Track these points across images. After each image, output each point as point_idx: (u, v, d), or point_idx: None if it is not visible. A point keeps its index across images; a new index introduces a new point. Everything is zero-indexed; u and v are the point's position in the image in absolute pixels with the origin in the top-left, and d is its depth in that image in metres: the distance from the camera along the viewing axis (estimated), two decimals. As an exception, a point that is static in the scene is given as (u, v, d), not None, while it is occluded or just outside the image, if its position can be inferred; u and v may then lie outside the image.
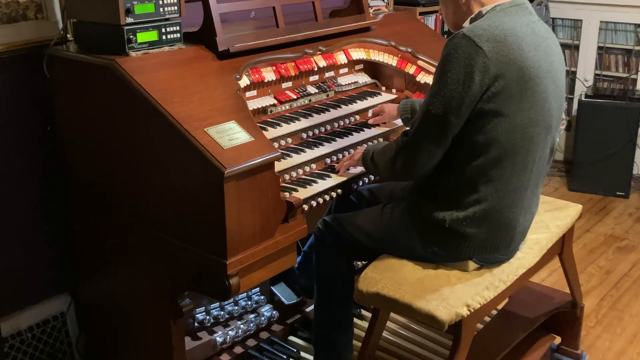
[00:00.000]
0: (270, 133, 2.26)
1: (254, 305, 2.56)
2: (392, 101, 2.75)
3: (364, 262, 2.89)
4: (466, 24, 1.98)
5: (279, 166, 2.10)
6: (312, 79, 2.62)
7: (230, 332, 2.47)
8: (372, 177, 2.35)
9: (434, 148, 1.91)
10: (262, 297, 2.60)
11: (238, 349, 2.53)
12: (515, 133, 1.88)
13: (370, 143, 2.50)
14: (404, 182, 2.34)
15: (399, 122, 2.56)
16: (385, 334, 2.63)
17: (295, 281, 2.67)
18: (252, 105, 2.34)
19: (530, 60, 1.87)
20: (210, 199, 1.84)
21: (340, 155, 2.38)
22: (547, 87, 1.92)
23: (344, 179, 2.25)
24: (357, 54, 2.70)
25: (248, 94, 2.36)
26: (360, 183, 2.33)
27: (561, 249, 2.45)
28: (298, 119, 2.40)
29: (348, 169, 2.29)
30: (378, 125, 2.60)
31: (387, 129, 2.58)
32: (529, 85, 1.87)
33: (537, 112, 1.90)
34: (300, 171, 2.26)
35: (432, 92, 1.88)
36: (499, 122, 1.85)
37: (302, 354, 2.59)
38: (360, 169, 2.30)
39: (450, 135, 1.89)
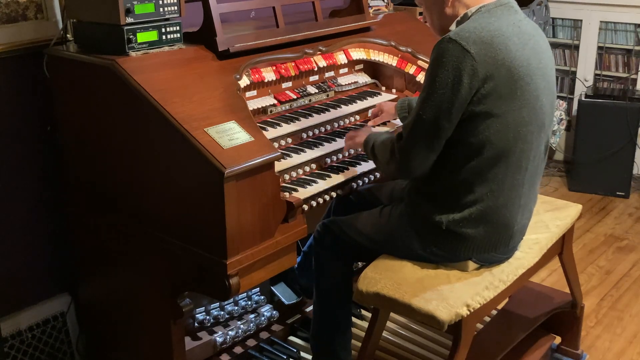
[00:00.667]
0: (270, 133, 2.26)
1: (254, 305, 2.56)
2: (392, 101, 2.75)
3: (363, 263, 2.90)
4: (452, 27, 1.98)
5: (279, 166, 2.10)
6: (312, 79, 2.62)
7: (230, 332, 2.47)
8: (372, 177, 2.35)
9: (428, 152, 1.91)
10: (262, 297, 2.60)
11: (238, 349, 2.53)
12: (508, 133, 1.88)
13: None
14: (403, 182, 2.34)
15: (398, 121, 2.56)
16: (385, 334, 2.63)
17: (295, 281, 2.67)
18: (252, 105, 2.34)
19: (518, 60, 1.87)
20: (210, 199, 1.84)
21: (340, 156, 2.38)
22: (537, 85, 1.92)
23: (344, 178, 2.25)
24: (357, 54, 2.70)
25: (248, 94, 2.36)
26: (360, 183, 2.33)
27: (561, 249, 2.45)
28: (298, 119, 2.40)
29: (351, 168, 2.29)
30: (378, 125, 2.60)
31: (388, 129, 2.58)
32: (518, 85, 1.87)
33: (529, 111, 1.91)
34: (300, 171, 2.26)
35: (423, 98, 1.89)
36: (491, 123, 1.86)
37: (302, 354, 2.59)
38: (360, 169, 2.30)
39: (443, 139, 1.89)
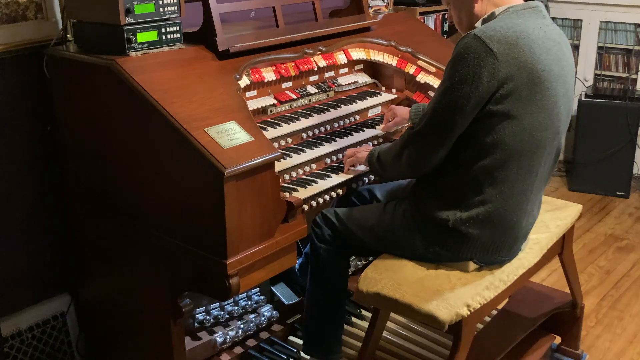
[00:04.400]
0: (270, 133, 2.26)
1: (254, 305, 2.56)
2: (392, 101, 2.75)
3: (363, 259, 2.90)
4: (478, 24, 1.98)
5: (279, 166, 2.10)
6: (312, 79, 2.62)
7: (230, 332, 2.47)
8: (372, 177, 2.35)
9: (438, 146, 1.91)
10: (262, 297, 2.60)
11: (238, 349, 2.53)
12: (522, 136, 1.87)
13: (370, 143, 2.50)
14: (404, 182, 2.34)
15: None
16: (385, 334, 2.63)
17: (295, 281, 2.66)
18: (252, 105, 2.34)
19: (541, 64, 1.86)
20: (210, 199, 1.83)
21: (340, 156, 2.38)
22: (557, 92, 1.91)
23: (344, 178, 2.25)
24: (357, 54, 2.70)
25: (248, 94, 2.36)
26: (360, 183, 2.33)
27: (561, 248, 2.45)
28: (298, 119, 2.40)
29: (354, 166, 2.28)
30: (379, 125, 2.59)
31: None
32: (538, 89, 1.86)
33: (546, 116, 1.90)
34: (300, 171, 2.26)
35: (441, 91, 1.89)
36: (507, 124, 1.85)
37: (302, 354, 2.58)
38: (360, 169, 2.30)
39: (455, 134, 1.89)
